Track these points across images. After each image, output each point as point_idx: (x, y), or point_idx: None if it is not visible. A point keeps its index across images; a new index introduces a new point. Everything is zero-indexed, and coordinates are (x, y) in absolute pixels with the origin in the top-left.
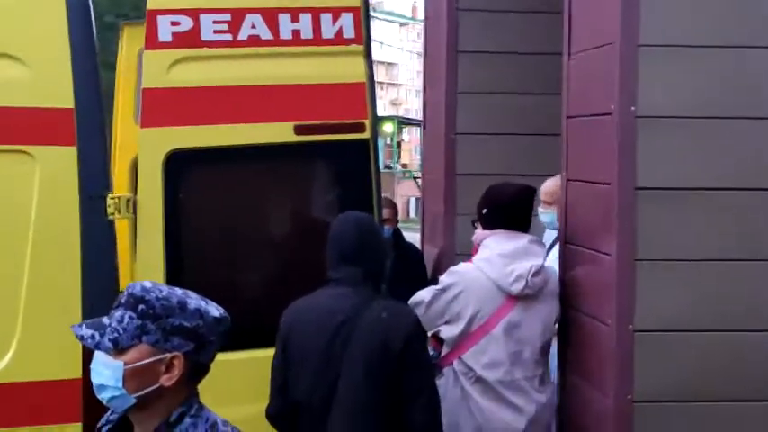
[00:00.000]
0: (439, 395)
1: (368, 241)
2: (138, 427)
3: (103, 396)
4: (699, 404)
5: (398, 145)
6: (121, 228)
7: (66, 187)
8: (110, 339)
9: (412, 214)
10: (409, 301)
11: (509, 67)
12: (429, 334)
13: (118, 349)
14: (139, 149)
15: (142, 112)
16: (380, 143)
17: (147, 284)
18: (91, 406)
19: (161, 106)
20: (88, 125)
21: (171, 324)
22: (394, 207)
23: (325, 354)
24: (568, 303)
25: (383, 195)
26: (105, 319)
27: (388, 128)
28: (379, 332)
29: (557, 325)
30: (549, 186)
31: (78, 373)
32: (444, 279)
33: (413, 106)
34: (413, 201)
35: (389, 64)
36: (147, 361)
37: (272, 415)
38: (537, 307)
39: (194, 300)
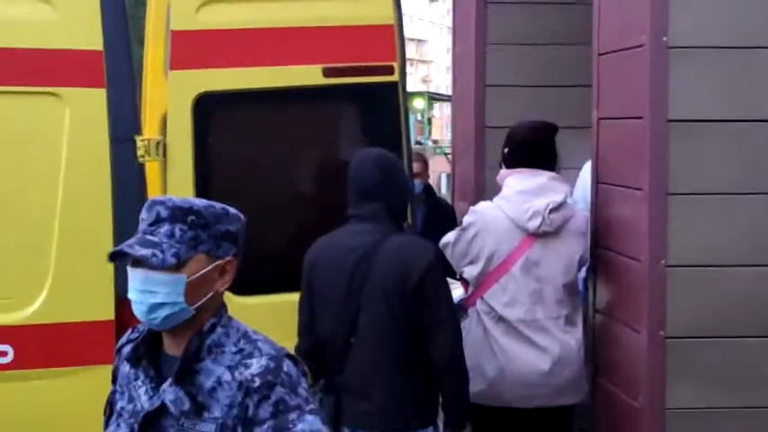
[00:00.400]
0: (460, 328)
1: (387, 176)
2: (171, 342)
3: (158, 314)
4: (730, 339)
5: (429, 121)
6: (152, 171)
7: (95, 129)
8: (172, 255)
9: (444, 190)
10: (439, 244)
11: (537, 19)
12: (457, 275)
13: (178, 264)
14: (168, 92)
15: (171, 55)
16: (411, 119)
17: (179, 198)
18: None
19: (190, 49)
20: (117, 67)
21: (219, 230)
22: (425, 162)
23: (346, 290)
24: (599, 242)
25: (414, 151)
26: (151, 237)
27: (418, 103)
28: (396, 266)
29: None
30: None
31: (111, 315)
32: (465, 219)
33: (443, 83)
34: (444, 177)
35: (419, 41)
36: (205, 270)
37: (301, 353)
38: (557, 245)
39: (218, 206)
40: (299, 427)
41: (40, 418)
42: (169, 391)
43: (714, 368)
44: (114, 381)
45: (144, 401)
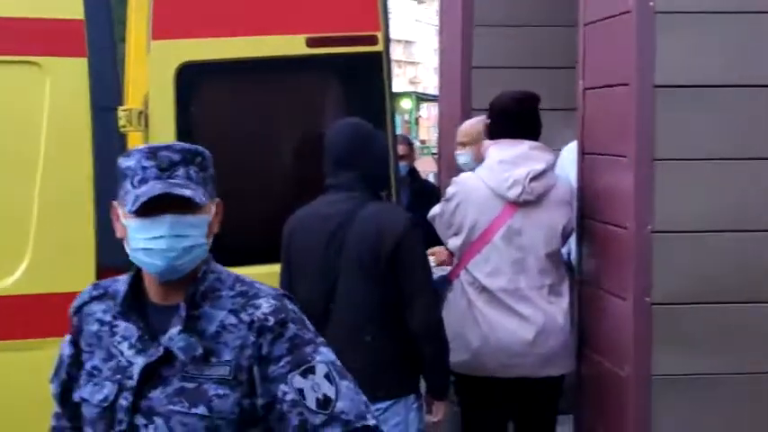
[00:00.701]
0: (437, 295)
1: (362, 145)
2: (165, 292)
3: (184, 259)
4: (716, 305)
5: (416, 121)
6: (133, 141)
7: (76, 99)
8: (203, 195)
9: None
10: (428, 217)
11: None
12: (445, 247)
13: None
14: (150, 62)
15: (153, 25)
16: (398, 119)
17: (177, 143)
18: None
19: (172, 18)
20: (99, 37)
21: (211, 173)
22: (410, 144)
23: (322, 258)
24: (585, 213)
25: (400, 134)
26: (175, 180)
27: (406, 104)
28: (370, 233)
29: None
30: (465, 127)
31: None
32: (448, 190)
33: (431, 83)
34: (431, 176)
35: (407, 42)
36: (213, 211)
37: None
38: (539, 214)
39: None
40: (318, 358)
41: (21, 389)
42: (178, 339)
43: (700, 334)
44: (73, 343)
45: (131, 355)
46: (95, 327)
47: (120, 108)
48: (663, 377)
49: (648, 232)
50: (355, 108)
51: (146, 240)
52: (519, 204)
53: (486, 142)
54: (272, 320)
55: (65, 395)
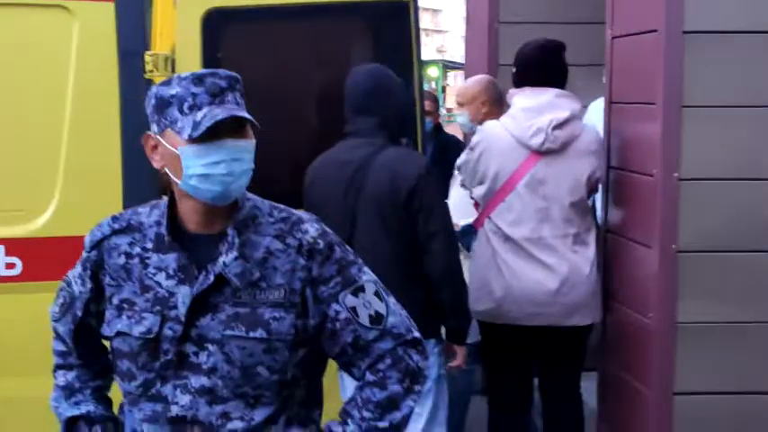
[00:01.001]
0: (455, 239)
1: (381, 91)
2: (207, 220)
3: (239, 183)
4: (742, 254)
5: (443, 89)
6: None
7: (104, 43)
8: (249, 116)
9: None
10: (456, 164)
11: None
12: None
13: (241, 128)
14: (178, 7)
15: None
16: (425, 87)
17: (219, 69)
18: None
19: None
20: None
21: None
22: (435, 100)
23: (341, 203)
24: (612, 161)
25: (425, 89)
26: (228, 105)
27: (433, 72)
28: (386, 178)
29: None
30: (462, 87)
31: None
32: (473, 139)
33: (458, 52)
34: None
35: (434, 11)
36: (250, 138)
37: None
38: (564, 163)
39: None
40: (365, 277)
41: (48, 330)
42: (234, 265)
43: (725, 282)
44: (92, 278)
45: (171, 286)
46: (122, 260)
47: (147, 53)
48: (687, 325)
49: (675, 180)
50: (382, 56)
51: (204, 166)
52: (542, 153)
53: (512, 91)
54: (321, 243)
55: (78, 331)
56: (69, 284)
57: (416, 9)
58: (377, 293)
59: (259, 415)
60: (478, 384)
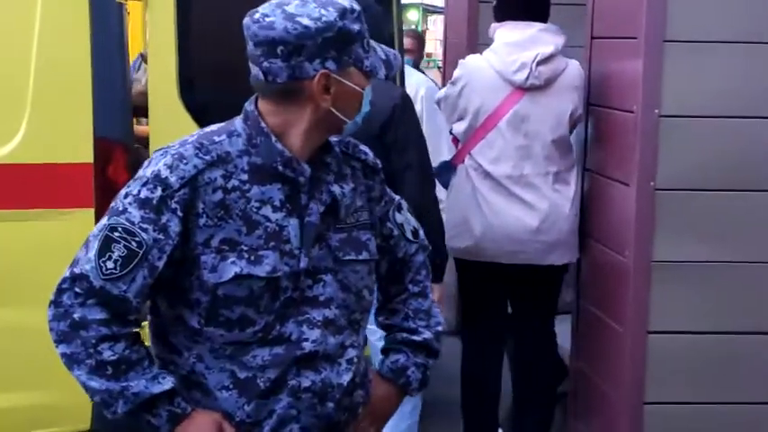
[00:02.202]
0: (430, 172)
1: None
2: (305, 147)
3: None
4: (721, 193)
5: (423, 33)
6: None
7: None
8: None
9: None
10: (434, 99)
11: None
12: (449, 131)
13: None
14: None
15: None
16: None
17: None
18: (102, 193)
19: None
20: None
21: None
22: (419, 39)
23: None
24: (592, 98)
25: (410, 28)
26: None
27: (412, 15)
28: None
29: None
30: None
31: (90, 158)
32: (455, 73)
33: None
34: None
35: None
36: None
37: None
38: (547, 99)
39: None
40: (396, 195)
41: (14, 259)
42: (350, 195)
43: (703, 222)
44: (183, 219)
45: (280, 218)
46: (219, 195)
47: None
48: (663, 263)
49: (656, 116)
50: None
51: (368, 103)
52: (526, 89)
53: (494, 25)
54: (379, 163)
55: (156, 284)
56: (131, 233)
57: None
58: (408, 209)
59: (362, 339)
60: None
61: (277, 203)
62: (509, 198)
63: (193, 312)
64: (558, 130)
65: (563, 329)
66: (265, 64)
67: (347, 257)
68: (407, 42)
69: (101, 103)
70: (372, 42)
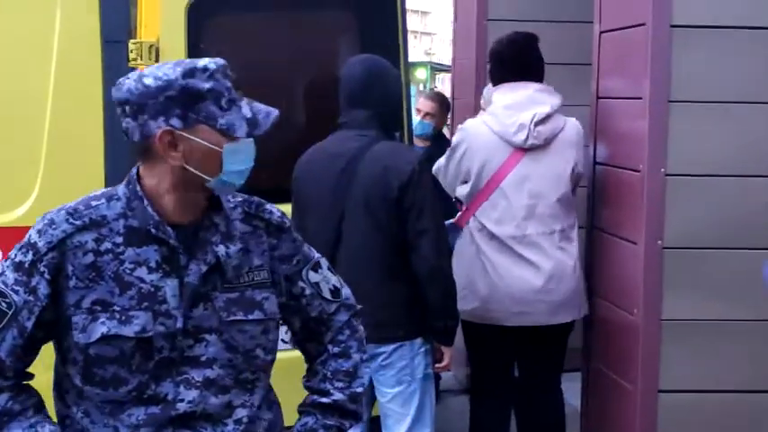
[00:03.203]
0: (445, 238)
1: (377, 82)
2: (184, 210)
3: (241, 181)
4: (728, 251)
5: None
6: None
7: (87, 31)
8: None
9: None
10: (433, 170)
11: None
12: (453, 198)
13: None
14: None
15: None
16: (413, 89)
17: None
18: None
19: None
20: None
21: None
22: (441, 101)
23: (329, 198)
24: (598, 156)
25: (432, 89)
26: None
27: (420, 74)
28: (378, 172)
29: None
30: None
31: None
32: (454, 138)
33: (446, 55)
34: None
35: (423, 13)
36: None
37: None
38: (548, 158)
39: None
40: (316, 254)
41: None
42: (236, 257)
43: (711, 279)
44: (51, 281)
45: (156, 279)
46: (89, 258)
47: (131, 41)
48: (672, 322)
49: (662, 175)
50: (368, 46)
51: (242, 162)
52: (526, 149)
53: (490, 88)
54: (287, 222)
55: (24, 347)
56: (3, 294)
57: (403, 1)
58: (329, 268)
59: (257, 399)
60: None
61: (153, 264)
62: (513, 258)
63: (75, 370)
64: (561, 188)
65: (573, 386)
66: (123, 124)
67: (233, 318)
68: (427, 106)
69: (113, 168)
70: (244, 101)
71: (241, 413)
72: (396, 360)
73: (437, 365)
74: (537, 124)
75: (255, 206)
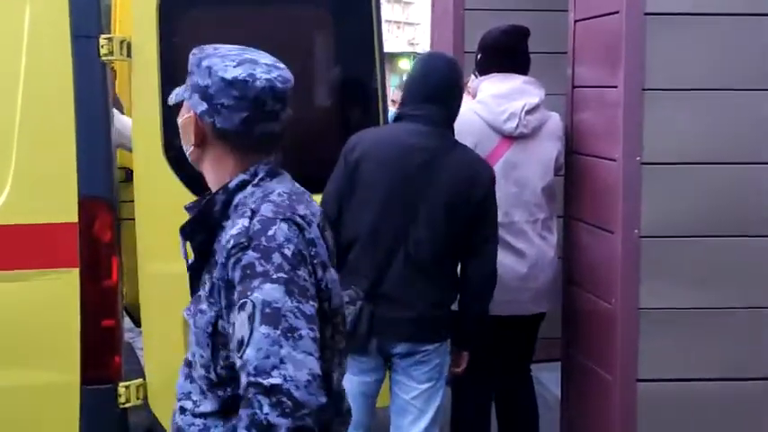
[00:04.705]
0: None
1: (456, 83)
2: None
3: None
4: (704, 239)
5: None
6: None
7: (57, 27)
8: (176, 93)
9: None
10: None
11: None
12: None
13: (178, 104)
14: None
15: None
16: (396, 80)
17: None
18: (88, 252)
19: None
20: None
21: (193, 81)
22: None
23: (400, 189)
24: (574, 145)
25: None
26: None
27: (404, 64)
28: (465, 177)
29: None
30: None
31: (74, 217)
32: None
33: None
34: None
35: (406, 3)
36: (182, 117)
37: None
38: (534, 147)
39: (214, 58)
40: (255, 294)
41: (9, 319)
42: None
43: (688, 267)
44: None
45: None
46: None
47: (102, 36)
48: (650, 310)
49: (638, 164)
50: (343, 44)
51: None
52: (514, 138)
53: (477, 78)
54: (231, 243)
55: None
56: None
57: None
58: (250, 317)
59: (204, 406)
60: None
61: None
62: (502, 246)
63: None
64: (546, 177)
65: (554, 377)
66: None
67: (186, 313)
68: (398, 95)
69: (85, 163)
70: None
71: (187, 405)
72: (434, 357)
73: (456, 369)
74: (527, 113)
75: (233, 218)
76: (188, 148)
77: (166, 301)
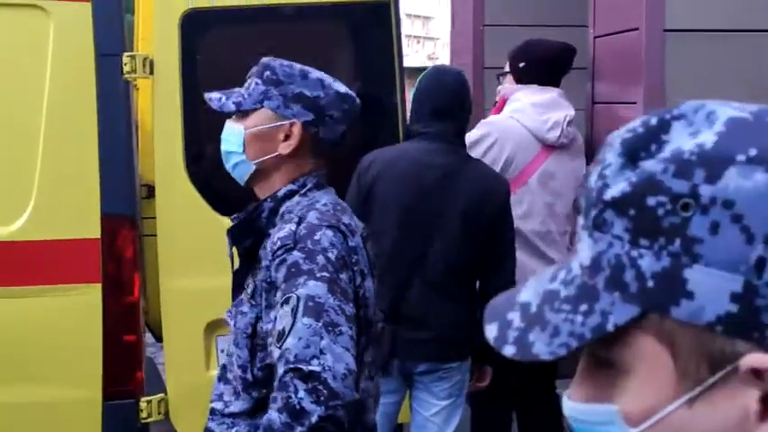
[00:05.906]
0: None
1: (464, 97)
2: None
3: (229, 163)
4: None
5: None
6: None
7: (80, 44)
8: (233, 102)
9: None
10: None
11: None
12: None
13: (241, 113)
14: (156, 8)
15: None
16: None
17: (284, 60)
18: (110, 268)
19: None
20: None
21: (292, 91)
22: None
23: (417, 208)
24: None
25: None
26: (237, 88)
27: None
28: (479, 194)
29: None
30: None
31: (97, 233)
32: (475, 132)
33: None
34: None
35: (426, 18)
36: (265, 126)
37: None
38: (569, 159)
39: (319, 72)
40: (299, 290)
41: (22, 335)
42: (262, 254)
43: None
44: None
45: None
46: None
47: (125, 54)
48: None
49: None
50: (364, 58)
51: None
52: (554, 148)
53: (510, 85)
54: (278, 244)
55: None
56: None
57: (397, 10)
58: (294, 309)
59: (234, 406)
60: None
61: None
62: (534, 255)
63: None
64: (576, 191)
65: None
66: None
67: (227, 315)
68: None
69: (107, 180)
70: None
71: (218, 406)
72: (454, 374)
73: (478, 384)
74: (568, 124)
75: (280, 224)
76: (260, 157)
77: (187, 316)
